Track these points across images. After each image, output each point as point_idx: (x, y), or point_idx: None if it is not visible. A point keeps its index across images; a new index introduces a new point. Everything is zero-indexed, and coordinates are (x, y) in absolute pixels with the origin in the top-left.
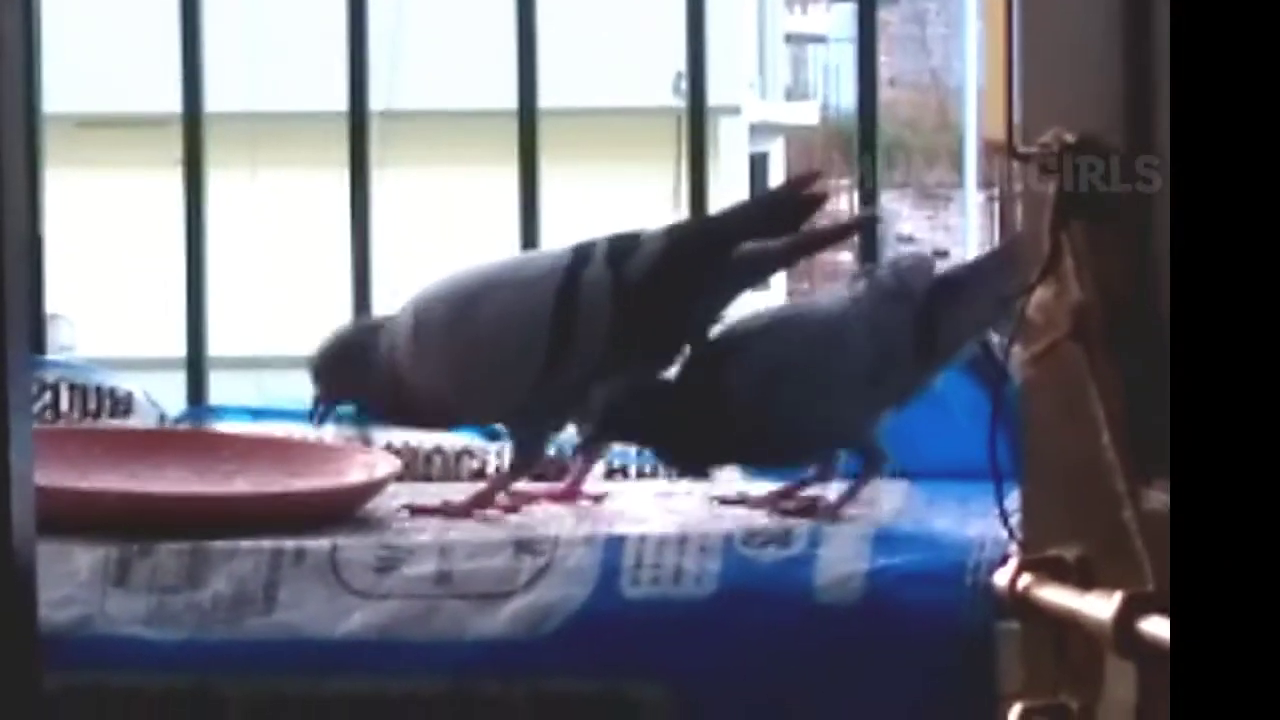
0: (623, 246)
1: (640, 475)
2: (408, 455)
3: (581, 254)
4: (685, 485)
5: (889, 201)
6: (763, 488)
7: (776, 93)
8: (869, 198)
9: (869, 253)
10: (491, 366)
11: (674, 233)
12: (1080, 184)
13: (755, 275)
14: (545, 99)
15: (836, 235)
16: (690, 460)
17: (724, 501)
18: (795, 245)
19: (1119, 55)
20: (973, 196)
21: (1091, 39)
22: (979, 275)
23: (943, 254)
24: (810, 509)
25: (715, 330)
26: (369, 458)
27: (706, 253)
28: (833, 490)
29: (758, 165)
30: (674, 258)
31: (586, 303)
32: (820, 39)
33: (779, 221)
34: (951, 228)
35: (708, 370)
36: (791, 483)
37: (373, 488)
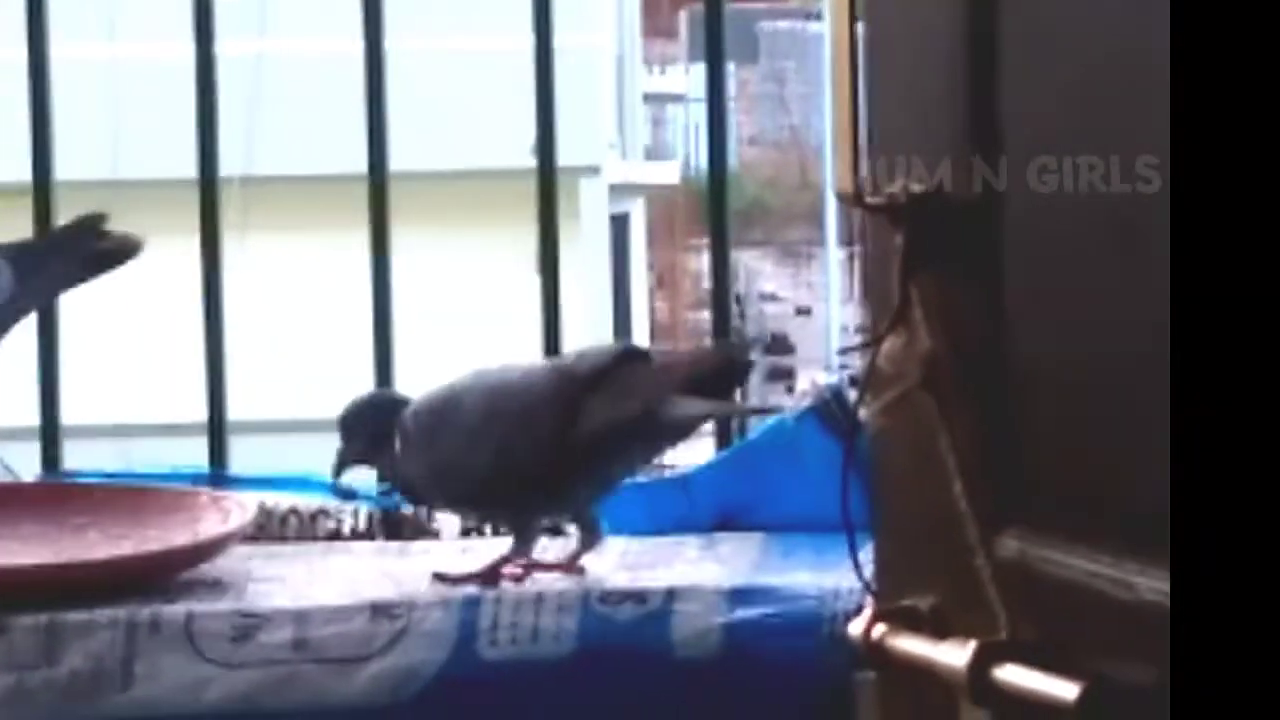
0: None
1: (355, 535)
2: (262, 516)
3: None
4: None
5: (751, 260)
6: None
7: (637, 152)
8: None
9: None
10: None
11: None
12: (932, 232)
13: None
14: (402, 162)
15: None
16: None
17: (438, 577)
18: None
19: (965, 104)
20: (834, 253)
21: (936, 88)
22: (634, 372)
23: (805, 311)
24: (492, 576)
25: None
26: (223, 504)
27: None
28: (549, 556)
29: (619, 225)
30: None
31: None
32: (679, 98)
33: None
34: (814, 284)
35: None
36: (498, 559)
37: (226, 539)
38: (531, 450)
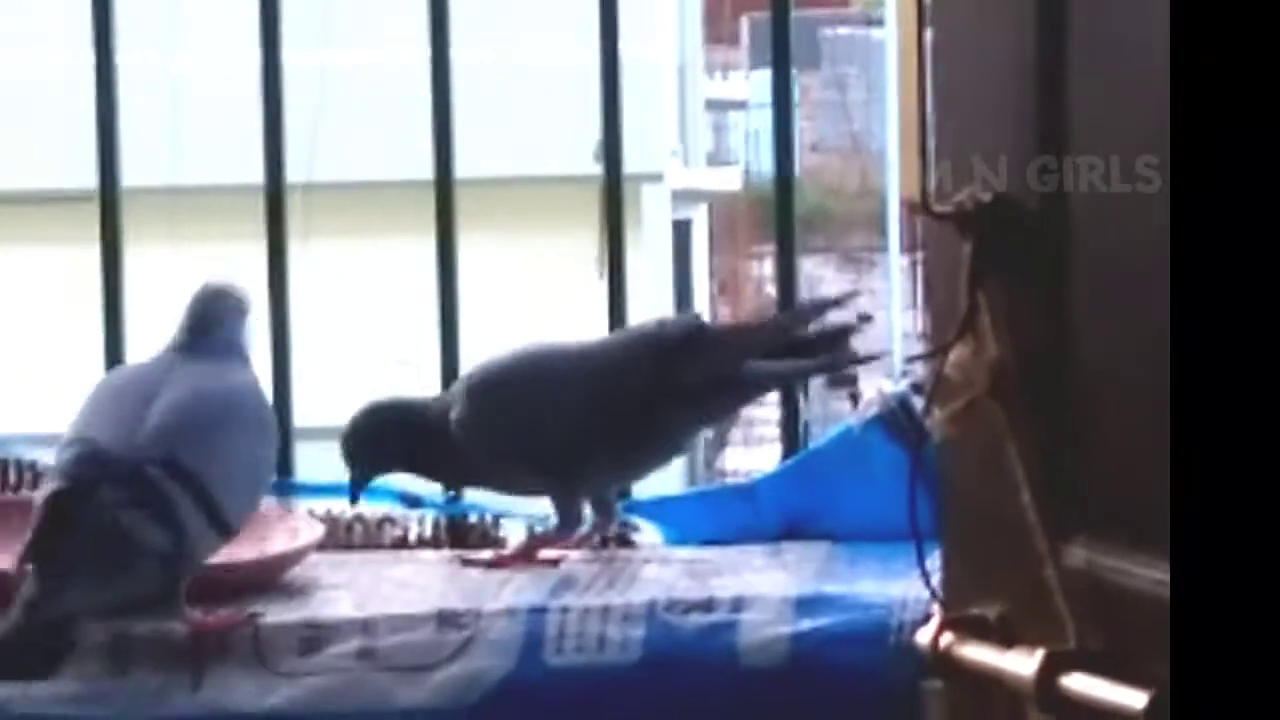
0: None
1: (421, 543)
2: (329, 524)
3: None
4: (431, 553)
5: (812, 267)
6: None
7: (698, 159)
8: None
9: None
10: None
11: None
12: (1000, 240)
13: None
14: (466, 169)
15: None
16: (424, 472)
17: (467, 563)
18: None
19: (1032, 113)
20: (896, 260)
21: (1005, 98)
22: (738, 339)
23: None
24: (529, 557)
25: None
26: (292, 523)
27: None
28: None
29: (681, 232)
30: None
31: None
32: (741, 105)
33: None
34: (875, 291)
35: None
36: (535, 538)
37: (296, 555)
38: (626, 403)
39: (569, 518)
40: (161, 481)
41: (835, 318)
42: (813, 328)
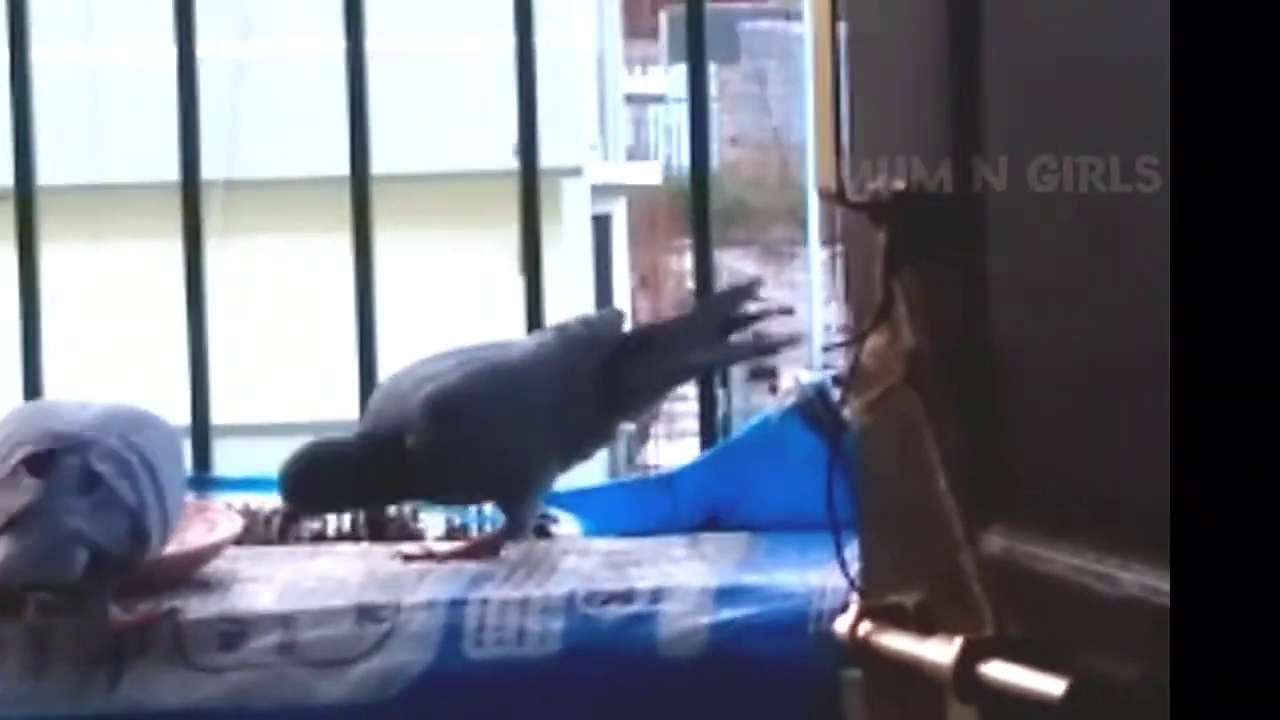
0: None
1: (340, 537)
2: (247, 517)
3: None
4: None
5: (732, 260)
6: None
7: (618, 154)
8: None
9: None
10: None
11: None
12: (914, 229)
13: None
14: (385, 165)
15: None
16: (375, 503)
17: (408, 558)
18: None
19: (946, 102)
20: (816, 253)
21: (917, 87)
22: (669, 334)
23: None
24: (473, 550)
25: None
26: (210, 517)
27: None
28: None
29: (601, 226)
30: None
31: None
32: (660, 99)
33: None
34: (796, 284)
35: (395, 405)
36: (483, 535)
37: (214, 549)
38: (577, 412)
39: (523, 524)
40: (121, 449)
41: (752, 303)
42: (734, 312)
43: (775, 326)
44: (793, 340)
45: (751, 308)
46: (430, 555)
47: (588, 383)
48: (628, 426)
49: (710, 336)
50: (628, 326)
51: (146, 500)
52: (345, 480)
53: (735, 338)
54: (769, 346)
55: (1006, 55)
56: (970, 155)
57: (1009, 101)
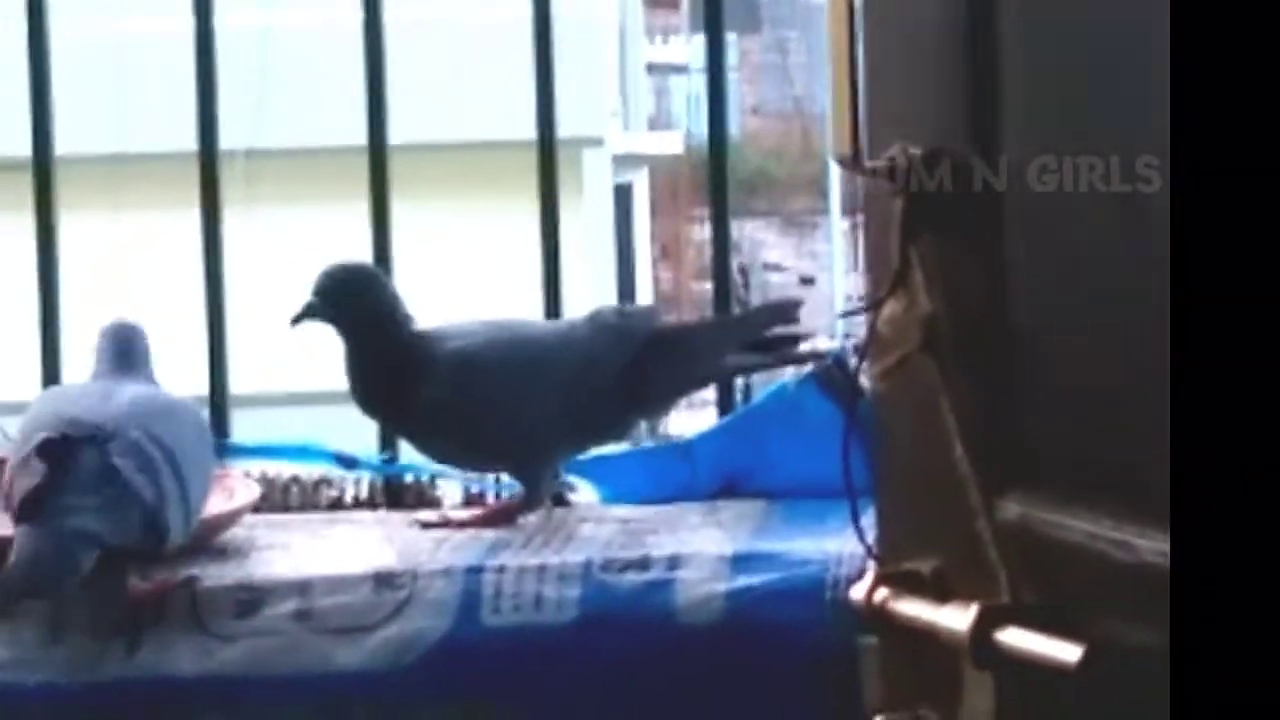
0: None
1: (358, 504)
2: (264, 485)
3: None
4: (369, 513)
5: (754, 230)
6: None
7: (640, 123)
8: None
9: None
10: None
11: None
12: (931, 195)
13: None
14: (406, 134)
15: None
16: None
17: (426, 525)
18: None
19: (962, 66)
20: (837, 223)
21: (934, 52)
22: (699, 337)
23: (809, 280)
24: (489, 518)
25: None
26: (229, 484)
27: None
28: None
29: (622, 196)
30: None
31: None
32: (682, 69)
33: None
34: (817, 254)
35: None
36: (498, 503)
37: (232, 516)
38: (597, 400)
39: (537, 493)
40: (144, 442)
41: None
42: (769, 330)
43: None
44: (818, 357)
45: (788, 330)
46: (447, 522)
47: (612, 374)
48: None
49: (740, 344)
50: (659, 323)
51: (166, 493)
52: (370, 312)
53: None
54: (795, 359)
55: (1026, 23)
56: (989, 122)
57: (1026, 69)
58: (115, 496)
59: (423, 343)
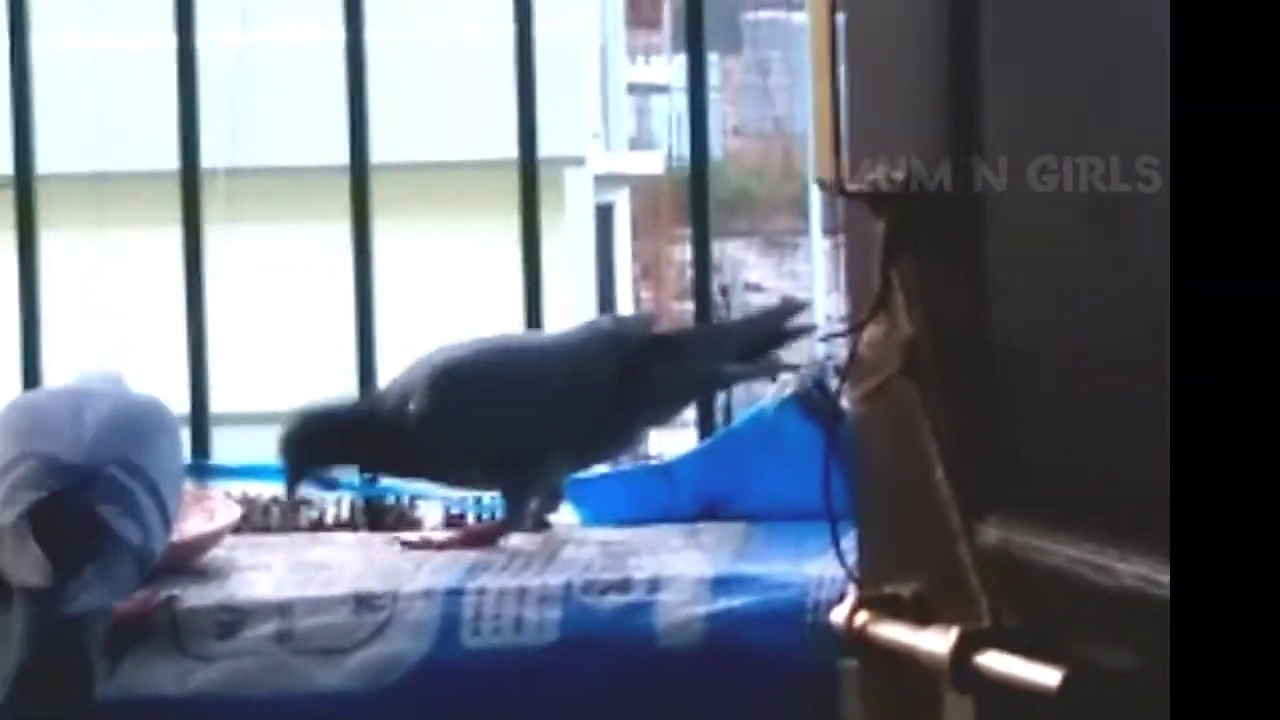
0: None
1: (338, 525)
2: (246, 505)
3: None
4: (350, 535)
5: (735, 250)
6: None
7: (621, 143)
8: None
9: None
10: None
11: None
12: (913, 218)
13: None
14: (387, 154)
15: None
16: (369, 469)
17: (407, 544)
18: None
19: (944, 88)
20: (818, 243)
21: (916, 74)
22: (698, 341)
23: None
24: (471, 539)
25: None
26: (209, 505)
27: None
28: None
29: (603, 216)
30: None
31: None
32: (664, 89)
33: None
34: (798, 274)
35: (407, 376)
36: (480, 524)
37: (213, 537)
38: (591, 404)
39: (519, 514)
40: (123, 478)
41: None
42: (770, 331)
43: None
44: (816, 365)
45: (787, 328)
46: (428, 543)
47: (606, 378)
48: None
49: (739, 349)
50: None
51: (151, 527)
52: (337, 441)
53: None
54: (792, 367)
55: (1006, 45)
56: (967, 146)
57: (1005, 93)
58: (108, 560)
59: (398, 385)
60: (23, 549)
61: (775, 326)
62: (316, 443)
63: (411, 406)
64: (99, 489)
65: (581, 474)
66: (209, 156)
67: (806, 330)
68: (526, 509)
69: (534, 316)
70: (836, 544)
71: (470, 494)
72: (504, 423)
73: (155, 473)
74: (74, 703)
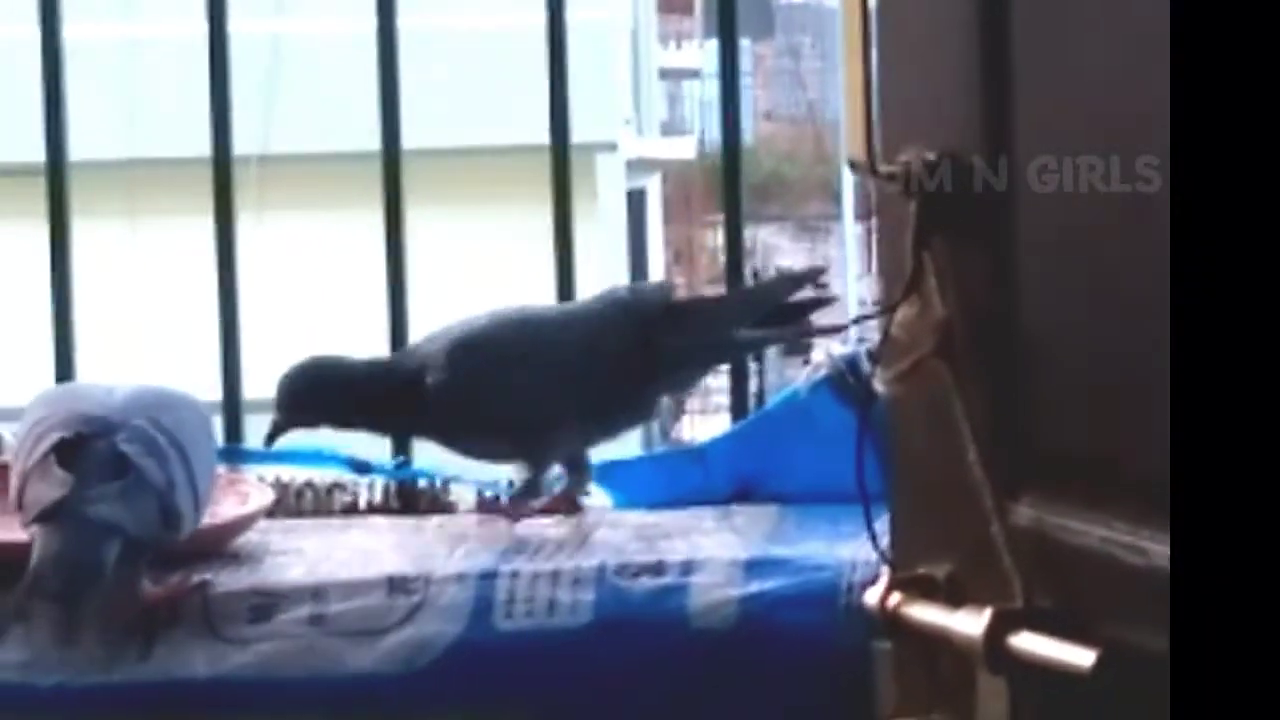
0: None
1: (371, 509)
2: (278, 490)
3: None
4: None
5: (767, 235)
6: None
7: (653, 128)
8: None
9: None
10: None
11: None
12: (945, 200)
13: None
14: (423, 140)
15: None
16: (378, 427)
17: (487, 512)
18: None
19: (976, 70)
20: (850, 228)
21: (948, 56)
22: (715, 309)
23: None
24: (501, 513)
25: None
26: (243, 489)
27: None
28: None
29: (635, 201)
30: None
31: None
32: (695, 74)
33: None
34: (830, 259)
35: (426, 344)
36: (507, 500)
37: (246, 521)
38: (607, 370)
39: (535, 484)
40: (151, 431)
41: (806, 291)
42: (787, 297)
43: (823, 315)
44: (837, 330)
45: (805, 295)
46: (507, 513)
47: (622, 346)
48: (665, 400)
49: (757, 316)
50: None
51: (176, 480)
52: (343, 394)
53: (780, 321)
54: (813, 332)
55: (1040, 28)
56: (1001, 127)
57: (1041, 74)
58: (129, 485)
59: (415, 354)
60: (47, 475)
61: (794, 293)
62: (319, 391)
63: (429, 379)
64: (123, 433)
65: (614, 457)
66: (241, 143)
67: (826, 300)
68: (544, 478)
69: (566, 301)
70: (870, 526)
71: (491, 465)
72: (520, 390)
73: (182, 438)
74: (79, 607)
